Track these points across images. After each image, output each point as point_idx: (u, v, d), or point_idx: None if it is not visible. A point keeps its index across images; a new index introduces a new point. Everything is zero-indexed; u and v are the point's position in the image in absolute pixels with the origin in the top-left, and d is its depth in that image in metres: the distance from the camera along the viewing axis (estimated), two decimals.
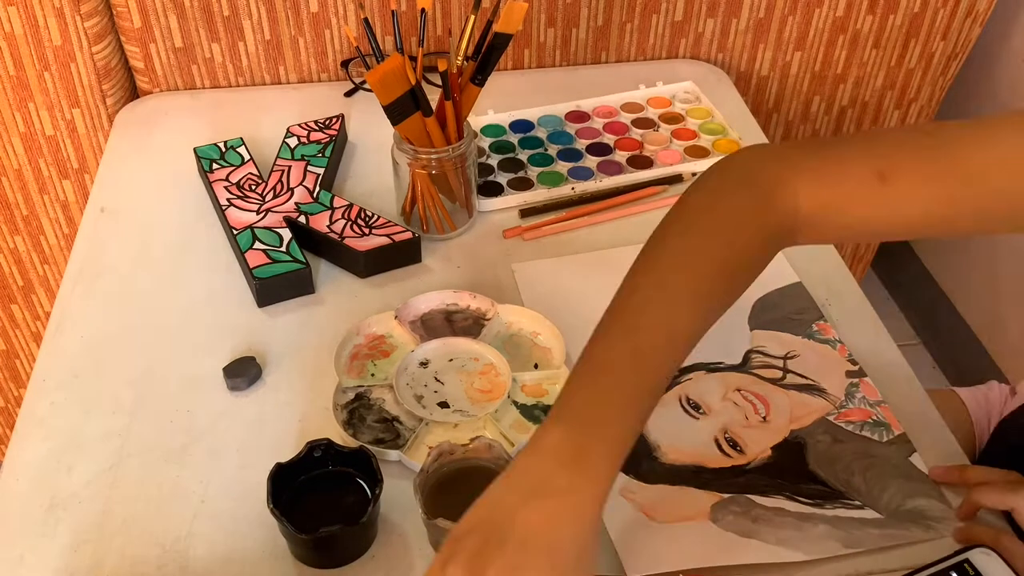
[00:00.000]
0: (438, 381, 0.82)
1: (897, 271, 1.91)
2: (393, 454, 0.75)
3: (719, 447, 0.78)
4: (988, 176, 0.63)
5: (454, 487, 0.71)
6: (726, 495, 0.75)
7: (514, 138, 1.11)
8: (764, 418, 0.81)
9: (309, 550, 0.69)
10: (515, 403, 0.81)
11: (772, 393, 0.83)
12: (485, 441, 0.71)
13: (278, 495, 0.68)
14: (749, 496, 0.75)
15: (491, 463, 0.72)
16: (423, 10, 0.90)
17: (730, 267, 0.64)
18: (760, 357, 0.86)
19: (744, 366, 0.85)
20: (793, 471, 0.77)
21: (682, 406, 0.82)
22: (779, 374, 0.84)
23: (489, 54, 0.90)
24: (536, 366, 0.84)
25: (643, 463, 0.77)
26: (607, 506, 0.66)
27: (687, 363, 0.83)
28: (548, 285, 0.93)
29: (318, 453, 0.72)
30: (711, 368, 0.85)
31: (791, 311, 0.90)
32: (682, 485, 0.75)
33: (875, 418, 0.81)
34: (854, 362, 0.85)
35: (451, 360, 0.84)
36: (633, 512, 0.73)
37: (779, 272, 0.94)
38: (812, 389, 0.83)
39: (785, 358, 0.86)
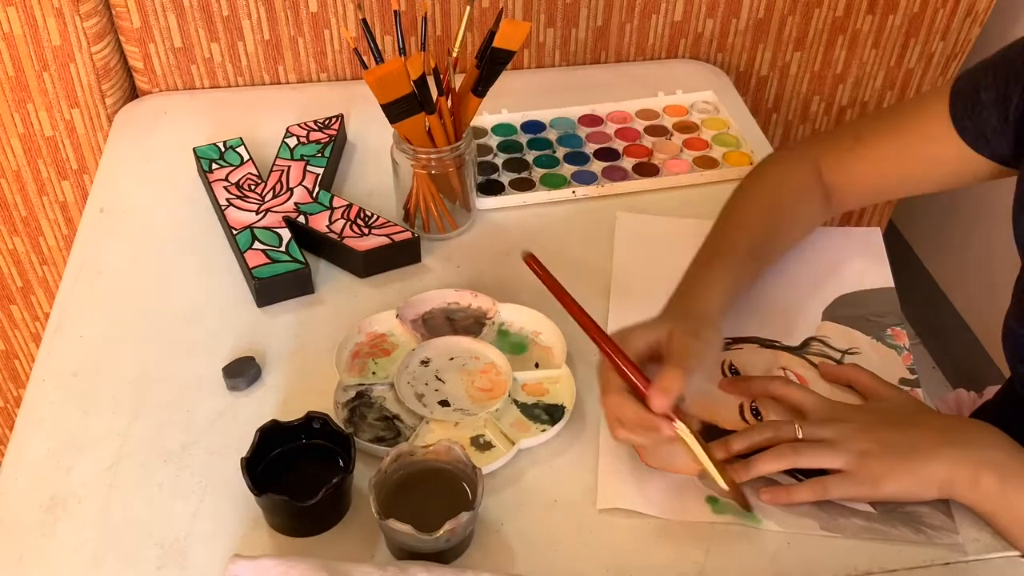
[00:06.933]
0: (439, 380, 0.82)
1: (897, 271, 1.90)
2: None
3: (741, 413, 0.79)
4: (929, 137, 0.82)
5: (412, 488, 0.71)
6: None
7: (524, 138, 1.11)
8: None
9: (281, 516, 0.71)
10: (516, 402, 0.81)
11: (815, 379, 0.83)
12: (445, 444, 0.71)
13: (261, 455, 0.71)
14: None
15: (449, 465, 0.71)
16: (424, 16, 0.90)
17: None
18: (819, 346, 0.86)
19: (799, 349, 0.85)
20: None
21: (723, 371, 0.82)
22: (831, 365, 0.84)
23: (490, 68, 0.89)
24: (537, 365, 0.84)
25: None
26: (606, 437, 0.76)
27: (742, 334, 0.86)
28: (642, 240, 0.96)
29: (317, 424, 0.73)
30: (766, 344, 0.85)
31: (871, 312, 0.90)
32: None
33: None
34: (913, 371, 0.84)
35: (452, 359, 0.84)
36: (628, 448, 0.75)
37: (873, 273, 0.93)
38: None
39: (845, 352, 0.85)
